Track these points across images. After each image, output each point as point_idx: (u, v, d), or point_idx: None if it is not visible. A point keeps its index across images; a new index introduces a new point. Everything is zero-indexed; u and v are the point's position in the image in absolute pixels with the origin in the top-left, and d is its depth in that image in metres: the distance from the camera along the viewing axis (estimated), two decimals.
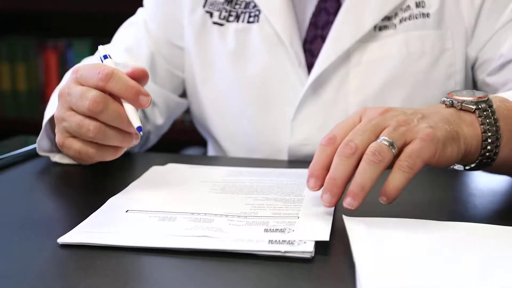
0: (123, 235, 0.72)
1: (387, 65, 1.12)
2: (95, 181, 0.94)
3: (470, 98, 0.82)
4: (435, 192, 0.89)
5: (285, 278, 0.64)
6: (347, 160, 0.75)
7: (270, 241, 0.69)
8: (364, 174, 0.74)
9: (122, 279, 0.65)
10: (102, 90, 0.83)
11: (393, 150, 0.74)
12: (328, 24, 1.13)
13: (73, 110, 0.84)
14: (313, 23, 1.14)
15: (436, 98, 1.12)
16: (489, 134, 0.80)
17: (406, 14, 1.12)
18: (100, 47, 0.90)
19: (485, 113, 0.81)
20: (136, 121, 0.83)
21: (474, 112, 0.81)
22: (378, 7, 1.12)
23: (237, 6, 1.18)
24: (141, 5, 1.29)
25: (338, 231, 0.74)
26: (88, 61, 1.20)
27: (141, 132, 0.83)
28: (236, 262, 0.67)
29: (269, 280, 0.64)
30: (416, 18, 1.12)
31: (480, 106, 0.81)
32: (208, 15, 1.20)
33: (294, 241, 0.69)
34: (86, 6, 2.52)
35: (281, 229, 0.72)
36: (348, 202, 0.73)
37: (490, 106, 0.82)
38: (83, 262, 0.67)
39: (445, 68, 1.12)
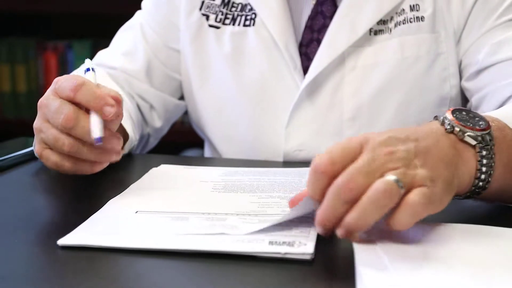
0: (124, 237, 0.72)
1: (383, 70, 1.12)
2: (95, 183, 0.94)
3: (473, 133, 0.75)
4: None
5: (285, 280, 0.64)
6: (345, 205, 0.66)
7: (271, 242, 0.69)
8: (364, 214, 0.66)
9: (122, 281, 0.64)
10: (73, 101, 0.83)
11: (401, 192, 0.66)
12: (324, 27, 1.13)
13: (49, 122, 0.85)
14: (309, 27, 1.14)
15: (431, 102, 1.12)
16: (483, 169, 0.75)
17: (401, 18, 1.12)
18: (87, 60, 0.91)
19: (484, 149, 0.75)
20: (96, 132, 0.81)
21: (474, 147, 0.75)
22: (374, 11, 1.12)
23: (233, 9, 1.18)
24: (139, 5, 1.29)
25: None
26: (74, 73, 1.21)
27: (99, 143, 0.81)
28: (236, 263, 0.67)
29: (269, 281, 0.64)
30: (411, 21, 1.12)
31: (481, 142, 0.75)
32: (204, 18, 1.20)
33: (294, 242, 0.69)
34: (86, 7, 2.53)
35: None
36: (340, 234, 0.67)
37: (491, 140, 0.76)
38: (83, 264, 0.67)
39: (440, 72, 1.12)
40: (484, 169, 0.76)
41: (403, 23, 1.12)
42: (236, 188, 0.87)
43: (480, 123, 0.76)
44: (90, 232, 0.73)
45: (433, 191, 0.67)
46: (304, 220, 0.76)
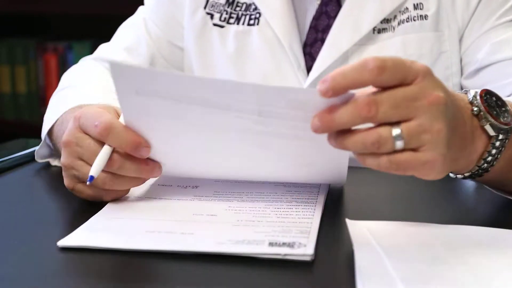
0: (123, 238, 0.72)
1: None
2: None
3: (495, 124, 0.75)
4: (438, 196, 0.89)
5: (285, 281, 0.64)
6: (357, 118, 0.66)
7: (270, 244, 0.69)
8: (349, 143, 0.67)
9: (122, 282, 0.65)
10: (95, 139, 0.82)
11: (395, 149, 0.67)
12: (329, 27, 1.13)
13: (83, 160, 0.83)
14: (314, 27, 1.14)
15: None
16: (489, 159, 0.76)
17: (404, 17, 1.12)
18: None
19: (498, 140, 0.76)
20: (93, 170, 0.80)
21: (490, 136, 0.76)
22: (377, 10, 1.12)
23: (238, 8, 1.18)
24: (141, 5, 1.29)
25: (339, 234, 0.74)
26: (87, 62, 1.20)
27: (88, 182, 0.80)
28: (236, 265, 0.67)
29: (269, 282, 0.64)
30: (414, 20, 1.12)
31: (499, 135, 0.76)
32: (208, 17, 1.20)
33: (294, 243, 0.69)
34: (86, 8, 2.53)
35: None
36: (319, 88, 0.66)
37: (507, 137, 0.76)
38: (83, 265, 0.67)
39: (442, 71, 1.12)
40: (489, 158, 0.77)
41: (406, 21, 1.12)
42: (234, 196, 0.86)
43: (506, 115, 0.77)
44: (90, 233, 0.73)
45: (440, 164, 0.68)
46: (304, 220, 0.76)
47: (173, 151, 0.82)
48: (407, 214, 0.78)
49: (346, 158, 0.79)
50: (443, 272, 0.63)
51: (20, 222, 0.79)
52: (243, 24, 1.17)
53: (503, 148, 0.76)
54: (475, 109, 0.75)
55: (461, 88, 1.14)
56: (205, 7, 1.20)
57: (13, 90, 2.70)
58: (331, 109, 0.67)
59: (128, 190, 0.85)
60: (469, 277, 0.63)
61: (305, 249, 0.68)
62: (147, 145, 0.81)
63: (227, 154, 0.81)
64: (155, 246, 0.69)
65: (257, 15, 1.17)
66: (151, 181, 0.90)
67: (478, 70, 1.10)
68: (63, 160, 0.85)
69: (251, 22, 1.17)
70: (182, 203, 0.83)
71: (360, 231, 0.72)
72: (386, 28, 1.13)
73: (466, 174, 0.78)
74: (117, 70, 0.75)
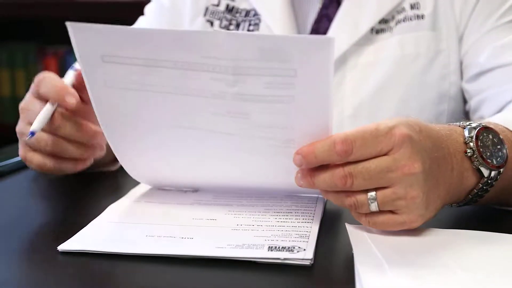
0: (124, 243, 0.72)
1: (382, 67, 1.12)
2: (94, 189, 0.94)
3: (488, 169, 0.75)
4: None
5: (284, 285, 0.64)
6: (334, 187, 0.70)
7: (270, 248, 0.69)
8: (325, 194, 0.73)
9: (122, 286, 0.65)
10: (39, 98, 0.86)
11: (370, 211, 0.70)
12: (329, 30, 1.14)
13: (30, 123, 0.86)
14: (315, 30, 1.14)
15: (430, 99, 1.12)
16: (480, 192, 0.77)
17: (401, 16, 1.13)
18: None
19: (489, 180, 0.76)
20: (34, 125, 0.82)
21: (482, 178, 0.76)
22: (375, 10, 1.12)
23: (237, 15, 1.18)
24: (141, 11, 1.29)
25: (338, 238, 0.74)
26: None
27: (28, 136, 0.82)
28: (235, 269, 0.67)
29: (268, 287, 0.64)
30: (411, 20, 1.12)
31: (492, 175, 0.76)
32: (208, 24, 1.20)
33: (294, 247, 0.69)
34: (86, 12, 2.53)
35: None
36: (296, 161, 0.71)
37: (500, 173, 0.76)
38: (83, 270, 0.67)
39: (439, 69, 1.12)
40: (481, 192, 0.77)
41: (403, 21, 1.12)
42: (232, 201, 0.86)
43: (500, 154, 0.77)
44: (90, 238, 0.73)
45: (417, 223, 0.71)
46: (303, 225, 0.76)
47: (144, 133, 0.80)
48: None
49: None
50: (443, 277, 0.63)
51: (20, 227, 0.79)
52: (243, 30, 1.17)
53: (495, 182, 0.77)
54: (469, 151, 0.75)
55: (461, 90, 1.14)
56: (204, 15, 1.20)
57: (13, 93, 2.70)
58: (312, 171, 0.71)
59: (76, 166, 0.88)
60: (469, 281, 0.63)
61: (305, 253, 0.68)
62: (73, 93, 0.83)
63: (202, 133, 0.78)
64: (155, 250, 0.69)
65: (257, 21, 1.17)
66: (151, 190, 0.90)
67: (480, 74, 1.10)
68: (17, 127, 0.90)
69: (251, 28, 1.17)
70: (182, 207, 0.83)
71: (360, 235, 0.72)
72: (384, 29, 1.13)
73: (461, 203, 0.79)
74: (79, 32, 0.73)
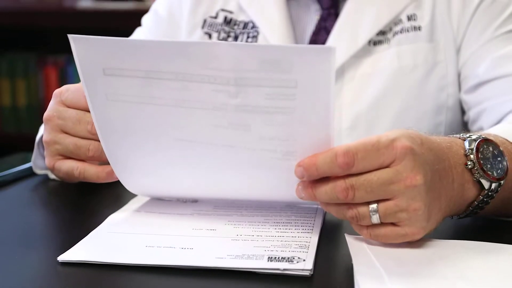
0: (124, 253, 0.72)
1: (380, 79, 1.12)
2: (95, 198, 0.95)
3: (488, 181, 0.75)
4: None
5: None
6: (336, 199, 0.70)
7: (269, 258, 0.69)
8: (326, 207, 0.73)
9: None
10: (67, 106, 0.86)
11: (373, 223, 0.70)
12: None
13: (65, 133, 0.87)
14: (313, 42, 1.15)
15: (428, 110, 1.12)
16: (481, 204, 0.77)
17: (398, 28, 1.13)
18: None
19: (490, 192, 0.76)
20: None
21: (482, 190, 0.76)
22: (373, 22, 1.13)
23: (235, 27, 1.19)
24: (140, 21, 1.30)
25: (338, 249, 0.74)
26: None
27: None
28: (235, 279, 0.67)
29: None
30: (408, 31, 1.13)
31: (492, 187, 0.76)
32: (206, 36, 1.20)
33: (293, 258, 0.69)
34: (86, 22, 2.54)
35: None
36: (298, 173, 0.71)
37: (500, 185, 0.76)
38: (83, 280, 0.67)
39: (437, 80, 1.13)
40: (482, 204, 0.77)
41: (400, 33, 1.13)
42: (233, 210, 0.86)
43: (501, 166, 0.77)
44: (90, 248, 0.73)
45: (419, 235, 0.71)
46: (303, 235, 0.76)
47: (144, 146, 0.80)
48: None
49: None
50: (441, 286, 0.64)
51: (20, 237, 0.79)
52: (241, 41, 1.18)
53: (495, 194, 0.77)
54: (469, 163, 0.75)
55: (459, 101, 1.14)
56: (202, 27, 1.21)
57: (13, 103, 2.70)
58: (313, 184, 0.71)
59: (99, 174, 0.87)
60: None
61: (304, 264, 0.68)
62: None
63: (203, 146, 0.77)
64: (155, 261, 0.70)
65: (255, 33, 1.17)
66: (150, 200, 0.90)
67: (478, 85, 1.10)
68: (45, 137, 0.89)
69: (249, 40, 1.17)
70: (182, 217, 0.83)
71: (359, 246, 0.72)
72: (382, 40, 1.13)
73: (462, 215, 0.79)
74: (81, 44, 0.74)
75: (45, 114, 0.88)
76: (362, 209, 0.70)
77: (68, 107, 0.86)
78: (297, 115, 0.71)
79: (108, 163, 0.84)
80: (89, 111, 0.81)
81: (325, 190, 0.70)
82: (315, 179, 0.71)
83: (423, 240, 0.73)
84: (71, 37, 0.73)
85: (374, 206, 0.69)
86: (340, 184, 0.69)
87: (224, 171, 0.79)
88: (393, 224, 0.70)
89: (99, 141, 0.83)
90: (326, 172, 0.70)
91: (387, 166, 0.69)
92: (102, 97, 0.77)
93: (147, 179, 0.84)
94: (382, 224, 0.70)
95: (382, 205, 0.69)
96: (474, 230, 0.82)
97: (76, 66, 0.76)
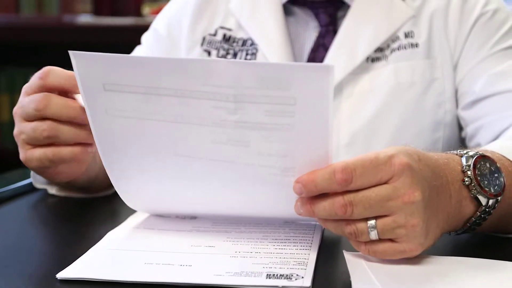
0: (123, 270, 0.72)
1: (378, 96, 1.13)
2: (94, 214, 0.95)
3: (485, 197, 0.76)
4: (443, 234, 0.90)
5: None
6: (334, 215, 0.70)
7: (268, 276, 0.69)
8: (324, 223, 0.73)
9: None
10: (45, 90, 0.87)
11: (371, 239, 0.71)
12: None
13: (26, 120, 0.88)
14: (311, 59, 1.15)
15: (426, 127, 1.13)
16: (478, 220, 0.78)
17: (396, 45, 1.14)
18: None
19: (487, 208, 0.77)
20: None
21: (479, 206, 0.76)
22: (371, 39, 1.13)
23: (234, 44, 1.20)
24: (139, 37, 1.30)
25: (336, 266, 0.75)
26: None
27: None
28: None
29: None
30: (405, 48, 1.13)
31: (490, 203, 0.76)
32: (206, 54, 1.21)
33: (292, 275, 0.69)
34: (86, 37, 2.54)
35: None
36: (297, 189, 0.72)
37: (497, 202, 0.77)
38: None
39: (434, 97, 1.13)
40: (479, 220, 0.78)
41: (398, 50, 1.14)
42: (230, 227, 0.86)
43: (498, 183, 0.77)
44: (89, 265, 0.74)
45: (416, 252, 0.71)
46: (301, 252, 0.76)
47: (143, 161, 0.81)
48: None
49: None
50: None
51: (19, 254, 0.79)
52: (240, 59, 1.18)
53: (492, 210, 0.77)
54: (467, 179, 0.76)
55: (456, 118, 1.14)
56: (202, 44, 1.21)
57: (12, 118, 2.70)
58: (312, 200, 0.71)
59: (74, 149, 0.87)
60: None
61: (303, 281, 0.68)
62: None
63: (202, 162, 0.78)
64: (153, 278, 0.70)
65: (254, 51, 1.18)
66: (149, 218, 0.90)
67: (476, 102, 1.10)
68: (14, 132, 0.91)
69: (248, 57, 1.18)
70: (180, 234, 0.83)
71: (357, 263, 0.72)
72: (380, 57, 1.14)
73: (459, 231, 0.79)
74: (81, 60, 0.75)
75: (14, 108, 0.91)
76: (361, 225, 0.70)
77: (46, 89, 0.87)
78: (296, 132, 0.71)
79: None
80: (41, 91, 0.85)
81: (324, 206, 0.70)
82: (314, 196, 0.71)
83: (422, 257, 0.74)
84: (71, 53, 0.74)
85: (372, 222, 0.70)
86: (339, 200, 0.69)
87: (223, 187, 0.80)
88: (391, 240, 0.71)
89: (55, 120, 0.85)
90: (325, 189, 0.70)
91: (385, 183, 0.69)
92: (102, 112, 0.78)
93: (146, 194, 0.85)
94: (380, 240, 0.71)
95: (380, 221, 0.69)
96: (473, 246, 0.82)
97: (77, 82, 0.76)
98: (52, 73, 0.86)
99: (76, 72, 0.75)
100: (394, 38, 1.14)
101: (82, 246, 0.78)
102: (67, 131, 0.86)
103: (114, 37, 2.40)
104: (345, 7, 1.17)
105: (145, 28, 1.33)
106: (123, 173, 0.83)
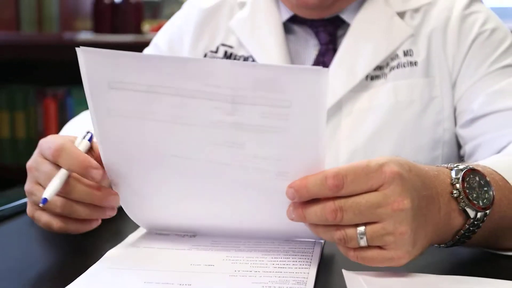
0: None
1: (377, 114, 1.13)
2: (93, 234, 0.94)
3: (474, 210, 0.76)
4: (433, 246, 0.90)
5: None
6: (324, 221, 0.72)
7: None
8: (315, 228, 0.74)
9: None
10: (53, 163, 0.83)
11: (360, 246, 0.72)
12: None
13: (40, 185, 0.85)
14: None
15: (425, 145, 1.13)
16: (467, 233, 0.78)
17: (395, 63, 1.14)
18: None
19: (476, 221, 0.77)
20: (47, 192, 0.80)
21: (468, 218, 0.77)
22: (370, 57, 1.14)
23: None
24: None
25: (335, 284, 0.75)
26: (82, 117, 1.22)
27: (41, 203, 0.80)
28: None
29: None
30: (404, 66, 1.14)
31: (478, 216, 0.77)
32: None
33: None
34: None
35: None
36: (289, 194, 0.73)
37: (486, 215, 0.77)
38: None
39: (433, 115, 1.14)
40: (468, 233, 0.78)
41: (397, 68, 1.14)
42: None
43: (486, 196, 0.78)
44: (89, 284, 0.74)
45: (404, 261, 0.72)
46: (300, 270, 0.76)
47: (142, 162, 0.81)
48: (403, 265, 0.78)
49: None
50: None
51: (19, 272, 0.79)
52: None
53: (481, 224, 0.77)
54: (455, 192, 0.77)
55: (455, 136, 1.15)
56: None
57: (12, 135, 2.71)
58: (303, 205, 0.73)
59: (81, 226, 0.86)
60: None
61: None
62: (97, 167, 0.82)
63: (199, 164, 0.79)
64: None
65: None
66: (148, 233, 0.90)
67: (474, 120, 1.11)
68: (26, 186, 0.88)
69: None
70: (180, 252, 0.83)
71: (357, 282, 0.72)
72: (379, 75, 1.15)
73: (449, 243, 0.80)
74: (89, 57, 0.75)
75: (28, 163, 0.88)
76: (350, 231, 0.71)
77: (55, 164, 0.84)
78: (290, 136, 0.73)
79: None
80: (59, 167, 0.82)
81: (315, 211, 0.72)
82: (305, 201, 0.73)
83: (419, 275, 0.74)
84: (79, 50, 0.75)
85: (361, 228, 0.71)
86: (329, 205, 0.71)
87: (218, 191, 0.81)
88: (379, 247, 0.72)
89: (68, 198, 0.83)
90: (316, 194, 0.72)
91: (375, 190, 0.71)
92: (105, 113, 0.79)
93: (143, 198, 0.86)
94: (369, 247, 0.72)
95: (370, 228, 0.71)
96: (470, 264, 0.82)
97: (83, 81, 0.77)
98: (64, 153, 0.82)
99: (82, 70, 0.76)
100: (393, 57, 1.15)
101: (82, 265, 0.78)
102: (81, 211, 0.85)
103: None
104: (345, 25, 1.18)
105: (145, 45, 1.34)
106: (120, 172, 0.84)
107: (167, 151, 0.79)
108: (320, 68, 0.68)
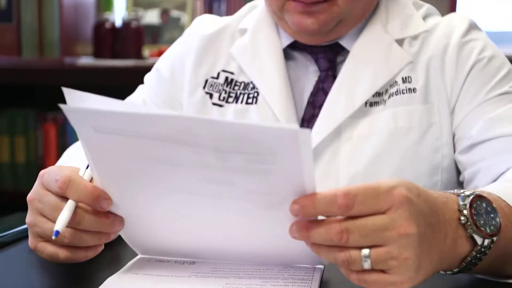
0: None
1: (376, 140, 1.13)
2: (93, 260, 0.94)
3: (481, 237, 0.77)
4: (438, 274, 0.90)
5: None
6: (329, 241, 0.71)
7: None
8: (317, 249, 0.73)
9: None
10: (59, 195, 0.83)
11: (363, 269, 0.71)
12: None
13: (44, 216, 0.85)
14: (311, 103, 1.17)
15: (424, 171, 1.13)
16: (474, 260, 0.78)
17: (394, 90, 1.15)
18: None
19: (483, 248, 0.77)
20: (58, 225, 0.80)
21: (475, 245, 0.77)
22: (370, 84, 1.15)
23: (236, 88, 1.21)
24: (139, 79, 1.31)
25: None
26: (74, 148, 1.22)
27: (54, 236, 0.79)
28: None
29: None
30: (403, 93, 1.15)
31: (485, 243, 0.77)
32: (208, 96, 1.22)
33: None
34: (85, 79, 2.56)
35: None
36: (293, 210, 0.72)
37: (493, 242, 0.78)
38: None
39: (432, 142, 1.14)
40: (474, 260, 0.78)
41: (396, 94, 1.15)
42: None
43: (493, 223, 0.78)
44: None
45: (398, 285, 0.72)
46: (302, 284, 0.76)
47: (137, 194, 0.82)
48: None
49: None
50: None
51: None
52: (241, 102, 1.20)
53: (488, 251, 0.78)
54: (463, 218, 0.77)
55: (455, 162, 1.15)
56: (204, 87, 1.23)
57: (12, 160, 2.71)
58: (308, 224, 0.72)
59: (88, 254, 0.86)
60: None
61: None
62: (106, 197, 0.82)
63: (192, 197, 0.79)
64: None
65: (255, 94, 1.19)
66: (148, 259, 0.90)
67: (472, 146, 1.11)
68: (27, 218, 0.87)
69: (249, 100, 1.19)
70: (179, 280, 0.83)
71: None
72: (378, 102, 1.15)
73: (455, 270, 0.80)
74: (71, 112, 0.76)
75: (29, 195, 0.87)
76: (354, 253, 0.71)
77: (62, 196, 0.84)
78: (277, 176, 0.73)
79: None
80: (66, 199, 0.82)
81: (320, 231, 0.71)
82: (309, 220, 0.72)
83: None
84: (62, 106, 0.75)
85: (366, 251, 0.70)
86: (335, 226, 0.70)
87: (211, 218, 0.81)
88: (382, 271, 0.71)
89: (76, 229, 0.83)
90: (323, 212, 0.71)
91: (383, 213, 0.71)
92: (98, 150, 0.79)
93: (137, 221, 0.86)
94: (371, 270, 0.71)
95: (374, 251, 0.70)
96: (471, 284, 0.82)
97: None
98: (72, 185, 0.82)
99: (68, 118, 0.77)
100: (392, 83, 1.16)
101: None
102: (89, 240, 0.85)
103: (115, 79, 2.42)
104: (345, 52, 1.19)
105: (145, 69, 1.34)
106: (121, 211, 0.85)
107: (159, 185, 0.80)
108: (302, 130, 0.68)
